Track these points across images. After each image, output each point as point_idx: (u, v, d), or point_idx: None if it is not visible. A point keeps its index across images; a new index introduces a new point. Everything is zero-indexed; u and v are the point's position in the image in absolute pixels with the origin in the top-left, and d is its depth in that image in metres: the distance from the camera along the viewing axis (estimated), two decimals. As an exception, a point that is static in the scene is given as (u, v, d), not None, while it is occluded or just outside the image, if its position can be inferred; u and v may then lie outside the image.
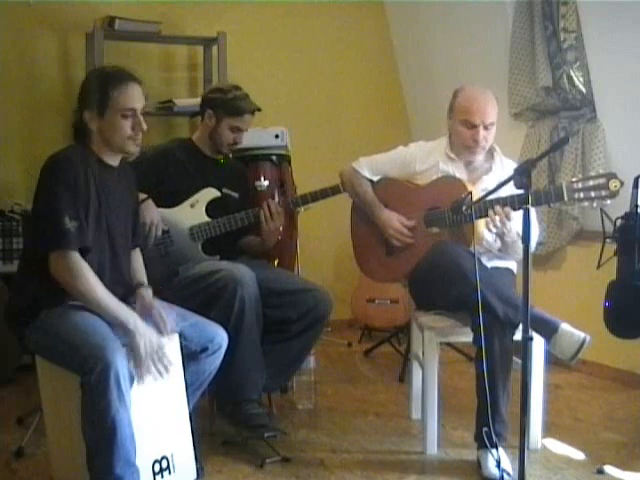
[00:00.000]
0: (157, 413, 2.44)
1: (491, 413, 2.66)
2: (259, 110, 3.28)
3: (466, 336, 2.83)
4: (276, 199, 3.38)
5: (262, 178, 3.76)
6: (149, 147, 3.29)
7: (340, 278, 4.98)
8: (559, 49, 4.07)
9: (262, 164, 3.88)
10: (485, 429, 2.66)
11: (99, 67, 3.61)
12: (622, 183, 2.62)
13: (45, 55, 4.44)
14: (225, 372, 2.73)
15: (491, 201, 2.75)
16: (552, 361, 3.07)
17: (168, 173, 3.21)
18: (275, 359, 3.13)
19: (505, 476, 2.63)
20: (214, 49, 4.52)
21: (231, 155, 3.44)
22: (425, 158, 3.15)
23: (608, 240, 3.10)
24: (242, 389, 2.96)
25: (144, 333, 2.37)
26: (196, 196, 3.21)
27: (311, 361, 3.52)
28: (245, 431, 2.96)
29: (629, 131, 3.72)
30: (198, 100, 3.43)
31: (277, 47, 4.94)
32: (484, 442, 2.70)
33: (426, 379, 2.96)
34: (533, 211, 2.48)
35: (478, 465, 2.78)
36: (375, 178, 3.25)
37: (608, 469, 2.78)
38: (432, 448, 2.95)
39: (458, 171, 3.07)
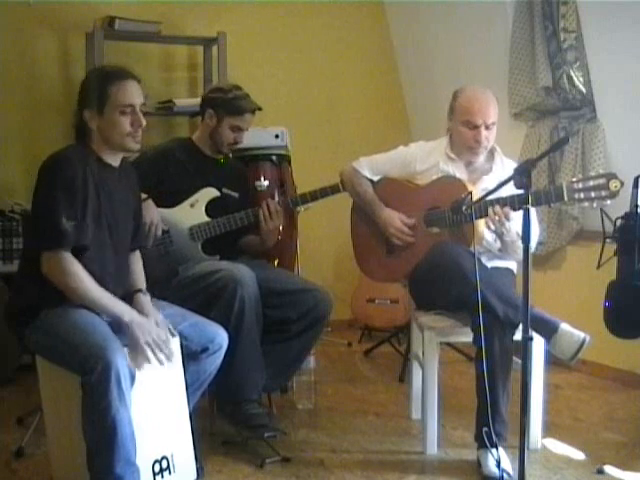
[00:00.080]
0: (157, 413, 2.44)
1: (491, 413, 2.66)
2: (260, 109, 3.29)
3: (466, 336, 2.83)
4: (276, 199, 3.38)
5: (262, 178, 3.76)
6: (149, 147, 3.30)
7: (340, 278, 4.97)
8: (559, 49, 4.07)
9: (262, 164, 3.89)
10: (485, 429, 2.66)
11: (99, 66, 3.61)
12: (622, 183, 2.62)
13: (45, 55, 4.44)
14: (225, 372, 2.73)
15: (491, 201, 2.75)
16: (552, 361, 3.06)
17: (168, 173, 3.21)
18: (275, 359, 3.13)
19: (505, 476, 2.63)
20: (214, 49, 4.52)
21: (231, 155, 3.44)
22: (425, 158, 3.15)
23: (608, 240, 3.10)
24: (242, 389, 2.96)
25: (140, 323, 2.38)
26: (196, 196, 3.21)
27: (311, 361, 3.52)
28: (245, 431, 2.96)
29: (629, 131, 3.72)
30: (198, 100, 3.43)
31: (277, 47, 4.94)
32: (484, 442, 2.70)
33: (426, 379, 2.96)
34: (533, 211, 2.48)
35: (478, 465, 2.78)
36: (375, 178, 3.25)
37: (608, 469, 2.78)
38: (432, 448, 2.95)
39: (458, 171, 3.07)
